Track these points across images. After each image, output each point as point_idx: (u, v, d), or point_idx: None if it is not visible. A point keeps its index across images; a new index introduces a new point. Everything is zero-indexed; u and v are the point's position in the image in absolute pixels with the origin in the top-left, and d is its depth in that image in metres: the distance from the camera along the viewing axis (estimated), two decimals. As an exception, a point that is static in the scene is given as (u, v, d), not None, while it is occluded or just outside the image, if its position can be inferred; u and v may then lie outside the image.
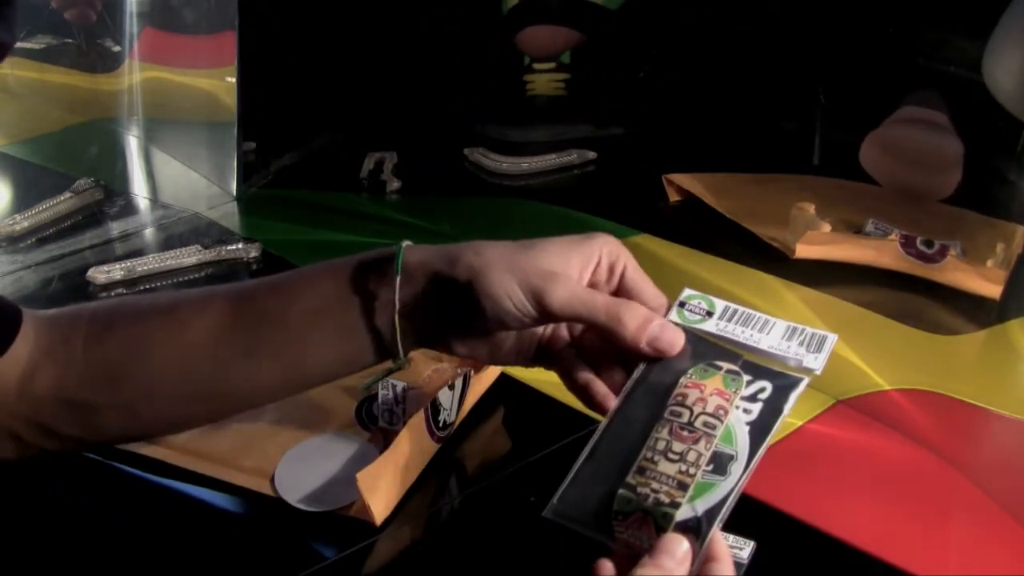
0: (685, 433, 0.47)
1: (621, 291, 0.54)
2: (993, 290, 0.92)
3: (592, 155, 1.26)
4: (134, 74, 1.18)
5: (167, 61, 1.18)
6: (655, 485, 0.45)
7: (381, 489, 0.61)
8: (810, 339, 0.51)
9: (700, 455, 0.46)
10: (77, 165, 1.15)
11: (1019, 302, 0.92)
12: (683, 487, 0.45)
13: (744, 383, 0.49)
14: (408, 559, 0.58)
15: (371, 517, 0.61)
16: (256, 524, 0.63)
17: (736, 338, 0.52)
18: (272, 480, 0.64)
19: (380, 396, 0.69)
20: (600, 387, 0.54)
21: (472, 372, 0.70)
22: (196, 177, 1.14)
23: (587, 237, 0.54)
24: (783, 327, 0.52)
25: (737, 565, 0.57)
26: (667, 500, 0.45)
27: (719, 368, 0.50)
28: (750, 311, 0.53)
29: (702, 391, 0.49)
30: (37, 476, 0.65)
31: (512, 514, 0.64)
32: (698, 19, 1.36)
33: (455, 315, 0.54)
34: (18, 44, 1.23)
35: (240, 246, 0.97)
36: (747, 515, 0.62)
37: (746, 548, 0.59)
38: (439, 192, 1.16)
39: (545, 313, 0.52)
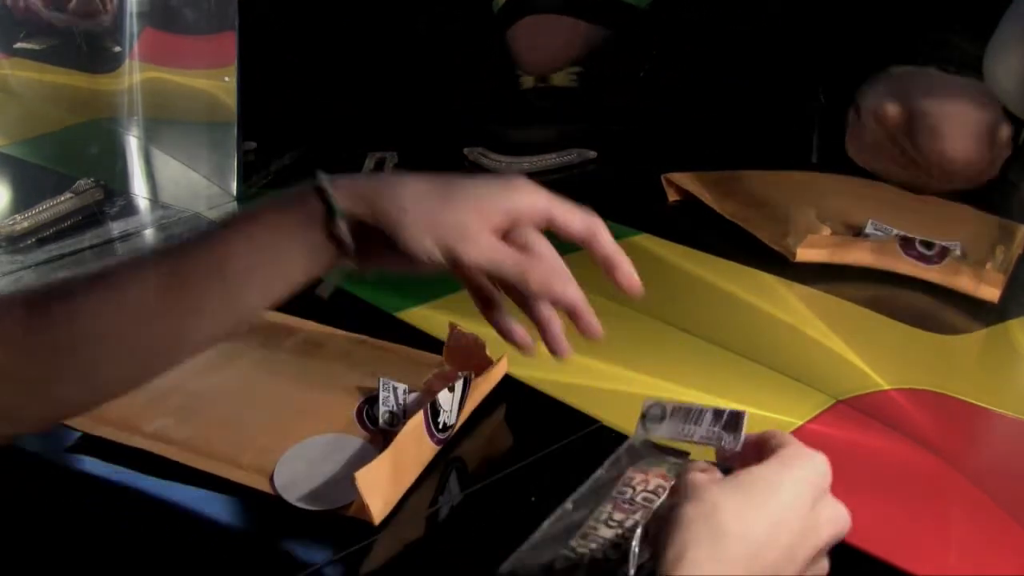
0: (626, 506, 0.54)
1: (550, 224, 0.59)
2: (991, 293, 0.92)
3: (592, 155, 1.26)
4: (134, 74, 1.18)
5: (167, 61, 1.18)
6: (593, 546, 0.51)
7: (379, 489, 0.61)
8: (728, 419, 0.56)
9: (636, 523, 0.52)
10: (77, 165, 1.15)
11: (1019, 302, 0.92)
12: (617, 547, 0.51)
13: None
14: (407, 558, 0.58)
15: (369, 517, 0.61)
16: (255, 523, 0.63)
17: (677, 436, 0.57)
18: (271, 478, 0.64)
19: (381, 398, 0.69)
20: (509, 324, 0.62)
21: (473, 375, 0.70)
22: (196, 177, 1.14)
23: (507, 185, 0.59)
24: (710, 414, 0.56)
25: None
26: (601, 556, 0.51)
27: (665, 460, 0.57)
28: (689, 404, 0.58)
29: (646, 475, 0.56)
30: (35, 475, 0.65)
31: (512, 514, 0.64)
32: (698, 19, 1.36)
33: (376, 243, 0.57)
34: (18, 44, 1.23)
35: (240, 246, 0.97)
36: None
37: (746, 548, 0.59)
38: (439, 192, 1.16)
39: (457, 267, 0.57)
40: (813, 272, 0.96)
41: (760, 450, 0.52)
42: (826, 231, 0.98)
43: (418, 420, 0.65)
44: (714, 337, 0.84)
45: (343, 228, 0.56)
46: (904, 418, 0.74)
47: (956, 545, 0.63)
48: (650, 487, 0.55)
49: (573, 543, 0.52)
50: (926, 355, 0.84)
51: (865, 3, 1.21)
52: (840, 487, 0.67)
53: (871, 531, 0.62)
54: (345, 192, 0.58)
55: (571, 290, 0.58)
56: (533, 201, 0.58)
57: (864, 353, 0.82)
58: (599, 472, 0.57)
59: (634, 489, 0.55)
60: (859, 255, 0.98)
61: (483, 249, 0.56)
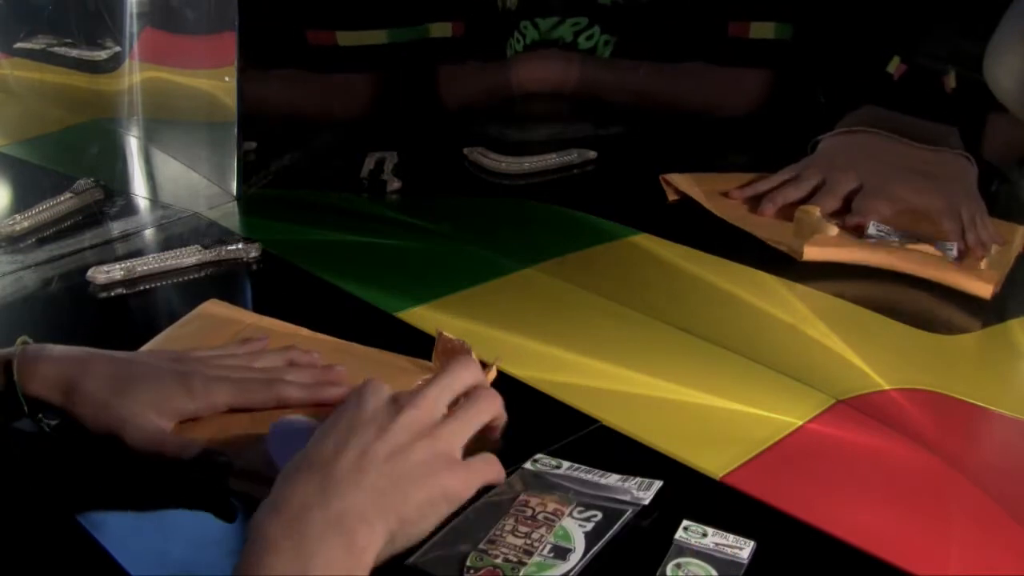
0: (529, 521, 0.59)
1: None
2: (984, 289, 0.92)
3: (592, 155, 1.26)
4: (134, 74, 1.18)
5: (167, 61, 1.18)
6: (504, 550, 0.56)
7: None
8: (641, 483, 0.63)
9: (543, 536, 0.58)
10: (77, 165, 1.15)
11: (1019, 302, 0.92)
12: (528, 553, 0.56)
13: (575, 503, 0.61)
14: (405, 554, 0.58)
15: None
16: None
17: (581, 477, 0.63)
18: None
19: None
20: None
21: None
22: (196, 177, 1.14)
23: (184, 377, 0.67)
24: (617, 477, 0.63)
25: (737, 565, 0.58)
26: (515, 559, 0.56)
27: (555, 490, 0.62)
28: (589, 468, 0.64)
29: (542, 500, 0.61)
30: (32, 477, 0.65)
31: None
32: (698, 18, 1.36)
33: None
34: (18, 44, 1.23)
35: (240, 246, 0.97)
36: (747, 515, 0.63)
37: (746, 548, 0.59)
38: (439, 192, 1.16)
39: (130, 450, 0.63)
40: (813, 273, 0.96)
41: None
42: (833, 231, 0.99)
43: None
44: (714, 337, 0.84)
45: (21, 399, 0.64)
46: (904, 418, 0.74)
47: (956, 545, 0.63)
48: (548, 509, 0.60)
49: (483, 546, 0.56)
50: (926, 355, 0.84)
51: (865, 3, 1.21)
52: (840, 487, 0.68)
53: (871, 531, 0.62)
54: (34, 378, 0.65)
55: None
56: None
57: (864, 353, 0.82)
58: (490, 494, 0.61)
59: (533, 509, 0.60)
60: (866, 255, 0.98)
61: (144, 436, 0.63)
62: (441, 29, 1.33)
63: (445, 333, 0.74)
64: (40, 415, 0.66)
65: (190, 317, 0.84)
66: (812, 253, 0.98)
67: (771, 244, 1.01)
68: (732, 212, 1.07)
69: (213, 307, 0.86)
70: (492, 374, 0.75)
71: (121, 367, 0.66)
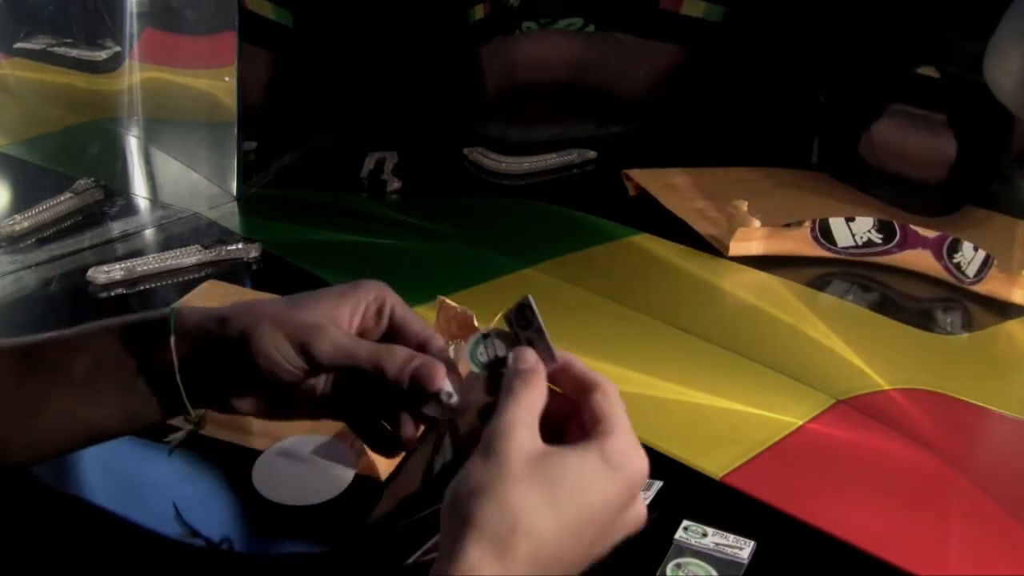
0: None
1: (391, 329, 0.57)
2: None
3: (592, 155, 1.26)
4: (134, 74, 1.18)
5: (167, 61, 1.18)
6: None
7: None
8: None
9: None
10: (77, 165, 1.15)
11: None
12: None
13: None
14: (405, 554, 0.58)
15: (376, 473, 0.64)
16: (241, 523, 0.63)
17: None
18: (252, 478, 0.65)
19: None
20: (387, 434, 0.58)
21: (462, 343, 0.72)
22: (196, 177, 1.14)
23: (354, 286, 0.57)
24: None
25: (737, 565, 0.58)
26: None
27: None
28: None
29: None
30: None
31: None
32: (698, 19, 1.36)
33: (232, 374, 0.55)
34: (18, 44, 1.23)
35: (240, 246, 0.97)
36: (747, 515, 0.63)
37: (746, 548, 0.59)
38: (439, 192, 1.16)
39: (313, 364, 0.54)
40: (814, 273, 0.96)
41: (580, 402, 0.50)
42: (756, 224, 0.99)
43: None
44: (714, 337, 0.84)
45: (172, 344, 0.55)
46: (904, 418, 0.74)
47: (956, 545, 0.63)
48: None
49: None
50: (926, 355, 0.85)
51: (865, 3, 1.21)
52: (840, 487, 0.68)
53: (871, 531, 0.62)
54: (195, 312, 0.56)
55: (426, 369, 0.54)
56: (375, 287, 0.57)
57: (864, 353, 0.82)
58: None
59: None
60: (784, 244, 0.99)
61: (335, 341, 0.54)
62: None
63: (448, 301, 0.75)
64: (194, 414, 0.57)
65: (190, 296, 0.87)
66: (738, 248, 0.99)
67: (706, 239, 1.02)
68: (679, 205, 1.09)
69: (212, 287, 0.89)
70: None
71: (283, 297, 0.57)
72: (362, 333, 0.57)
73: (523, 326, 0.52)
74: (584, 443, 0.47)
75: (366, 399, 0.58)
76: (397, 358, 0.54)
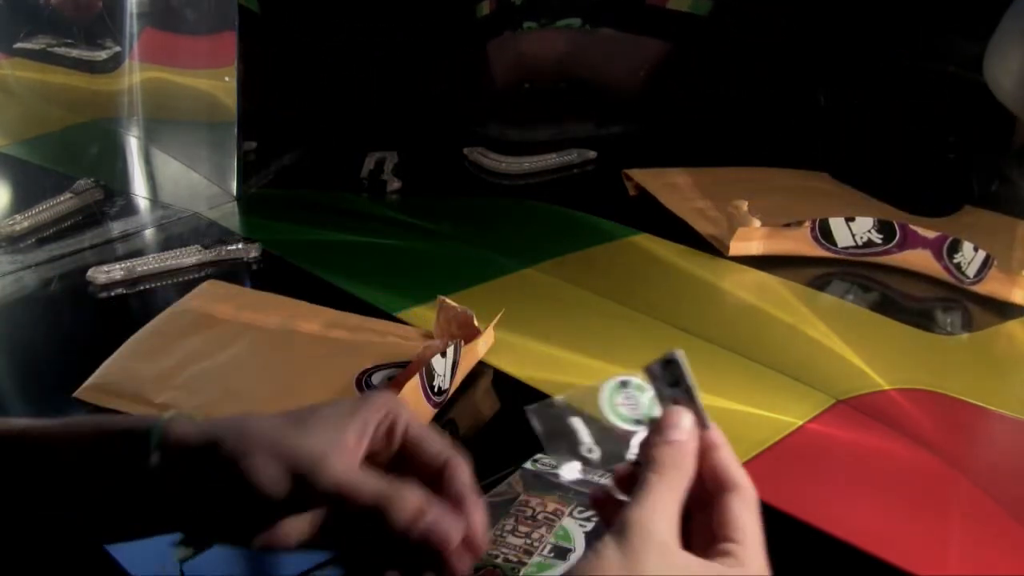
0: (529, 521, 0.59)
1: (405, 449, 0.51)
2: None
3: (592, 155, 1.26)
4: (134, 74, 1.18)
5: (167, 61, 1.18)
6: (504, 550, 0.57)
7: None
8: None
9: (543, 536, 0.57)
10: (77, 165, 1.15)
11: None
12: (529, 553, 0.56)
13: (575, 503, 0.60)
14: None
15: None
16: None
17: (582, 477, 0.61)
18: None
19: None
20: None
21: (462, 342, 0.74)
22: (196, 177, 1.14)
23: (363, 401, 0.51)
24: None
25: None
26: (515, 559, 0.56)
27: (555, 490, 0.61)
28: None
29: (542, 500, 0.61)
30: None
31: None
32: (698, 19, 1.36)
33: (222, 500, 0.49)
34: (18, 44, 1.23)
35: (240, 246, 0.97)
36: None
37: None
38: (439, 192, 1.16)
39: (312, 498, 0.49)
40: (814, 274, 0.96)
41: (713, 494, 0.45)
42: (756, 223, 0.99)
43: (415, 383, 0.67)
44: (714, 337, 0.84)
45: (155, 458, 0.49)
46: (904, 418, 0.74)
47: (956, 545, 0.63)
48: (548, 509, 0.60)
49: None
50: (926, 355, 0.84)
51: (865, 4, 1.21)
52: (840, 487, 0.68)
53: (871, 531, 0.62)
54: (185, 427, 0.50)
55: (442, 526, 0.48)
56: (384, 402, 0.51)
57: (864, 353, 0.82)
58: (491, 494, 0.61)
59: (533, 510, 0.60)
60: (786, 244, 0.99)
61: (337, 477, 0.48)
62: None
63: (448, 301, 0.75)
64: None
65: (190, 296, 0.87)
66: (738, 248, 0.98)
67: (706, 239, 1.02)
68: (679, 205, 1.09)
69: (212, 287, 0.89)
70: (488, 338, 0.76)
71: (286, 413, 0.52)
72: (372, 456, 0.50)
73: (670, 383, 0.46)
74: (713, 557, 0.44)
75: (367, 537, 0.50)
76: (406, 507, 0.48)
